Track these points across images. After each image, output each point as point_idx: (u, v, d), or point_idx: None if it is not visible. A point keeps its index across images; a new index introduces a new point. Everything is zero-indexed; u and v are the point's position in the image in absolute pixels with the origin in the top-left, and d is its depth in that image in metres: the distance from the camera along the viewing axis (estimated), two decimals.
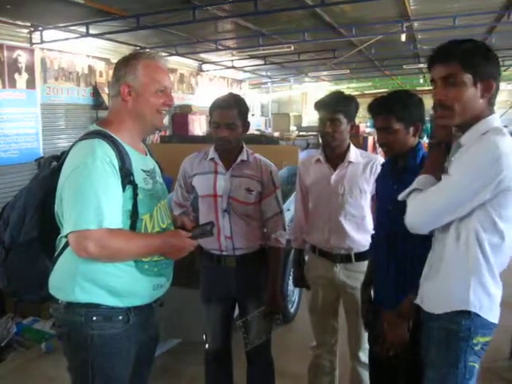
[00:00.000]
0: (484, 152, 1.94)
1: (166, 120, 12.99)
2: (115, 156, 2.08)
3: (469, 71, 2.00)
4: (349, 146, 3.26)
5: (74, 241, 2.00)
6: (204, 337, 3.31)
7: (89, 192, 1.99)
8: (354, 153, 3.26)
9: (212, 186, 3.09)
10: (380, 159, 3.32)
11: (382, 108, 2.64)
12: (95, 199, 1.98)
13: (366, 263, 3.20)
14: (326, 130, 3.12)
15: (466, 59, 2.00)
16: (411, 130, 2.59)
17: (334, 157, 3.25)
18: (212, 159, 3.13)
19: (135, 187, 2.13)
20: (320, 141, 3.42)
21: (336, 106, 3.13)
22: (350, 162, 3.22)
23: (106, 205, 2.00)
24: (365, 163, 3.24)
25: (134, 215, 2.12)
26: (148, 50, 2.21)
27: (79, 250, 2.00)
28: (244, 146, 3.15)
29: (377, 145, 10.83)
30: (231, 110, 2.98)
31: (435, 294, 2.18)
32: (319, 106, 3.23)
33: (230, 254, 3.11)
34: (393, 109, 2.57)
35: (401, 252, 2.57)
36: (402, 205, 2.55)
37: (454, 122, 2.09)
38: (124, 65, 2.25)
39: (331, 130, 3.12)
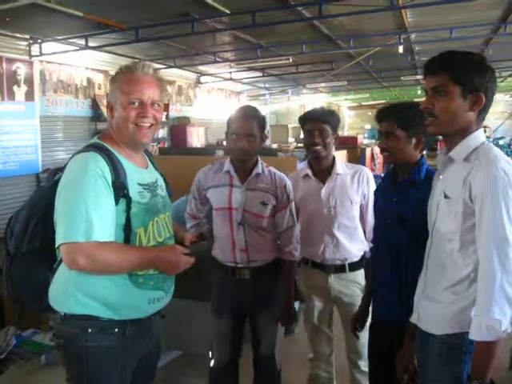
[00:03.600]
0: (497, 183, 1.93)
1: (164, 132, 13.03)
2: (109, 169, 2.09)
3: (458, 83, 2.02)
4: (334, 159, 3.30)
5: (64, 253, 2.01)
6: (210, 354, 3.27)
7: (79, 205, 2.00)
8: (340, 165, 3.31)
9: (227, 199, 3.08)
10: (366, 169, 3.37)
11: (387, 114, 2.65)
12: (85, 212, 1.99)
13: (358, 273, 3.25)
14: (316, 140, 3.16)
15: (457, 71, 2.03)
16: (413, 141, 2.58)
17: (321, 170, 3.29)
18: (227, 172, 3.12)
19: (129, 201, 2.12)
20: (307, 155, 3.45)
21: (323, 117, 3.19)
22: (338, 174, 3.25)
23: (96, 218, 2.00)
24: (352, 173, 3.29)
25: (127, 228, 2.12)
26: (135, 61, 2.20)
27: (69, 262, 2.01)
28: (259, 159, 3.15)
29: (374, 156, 10.87)
30: (251, 121, 2.99)
31: (436, 317, 2.17)
32: (306, 118, 3.28)
33: (244, 266, 3.11)
34: (397, 116, 2.58)
35: (403, 266, 2.58)
36: (401, 218, 2.56)
37: (440, 130, 2.12)
38: (110, 81, 2.30)
39: (320, 139, 3.16)
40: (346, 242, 3.26)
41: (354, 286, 3.26)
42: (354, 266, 3.28)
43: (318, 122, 3.18)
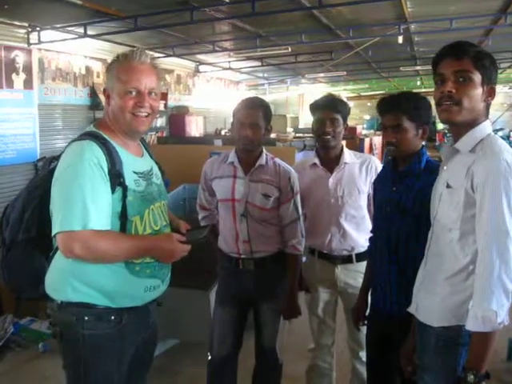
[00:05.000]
0: (499, 173, 1.93)
1: (162, 121, 12.99)
2: (104, 158, 2.09)
3: (480, 71, 2.02)
4: (342, 148, 3.29)
5: (60, 241, 2.02)
6: (208, 354, 3.26)
7: (75, 193, 2.00)
8: (348, 154, 3.29)
9: (230, 191, 3.08)
10: (374, 158, 3.36)
11: (393, 106, 2.60)
12: (81, 201, 1.99)
13: (365, 263, 3.22)
14: (327, 129, 3.14)
15: (478, 59, 2.03)
16: (420, 131, 2.58)
17: (329, 159, 3.28)
18: (231, 163, 3.12)
19: (125, 189, 2.12)
20: (316, 143, 3.43)
21: (335, 107, 3.17)
22: (346, 164, 3.24)
23: (92, 206, 2.00)
24: (360, 163, 3.27)
25: (123, 217, 2.13)
26: (132, 49, 2.18)
27: (65, 250, 2.02)
28: (264, 150, 3.14)
29: (373, 147, 10.83)
30: (256, 110, 2.99)
31: (433, 309, 2.17)
32: (317, 107, 3.24)
33: (248, 257, 3.11)
34: (405, 107, 2.55)
35: (402, 256, 2.57)
36: (401, 207, 2.56)
37: (458, 118, 2.06)
38: (107, 69, 2.29)
39: (331, 129, 3.14)
40: (353, 232, 3.26)
41: (360, 277, 3.25)
42: (361, 257, 3.27)
43: (329, 111, 3.17)
